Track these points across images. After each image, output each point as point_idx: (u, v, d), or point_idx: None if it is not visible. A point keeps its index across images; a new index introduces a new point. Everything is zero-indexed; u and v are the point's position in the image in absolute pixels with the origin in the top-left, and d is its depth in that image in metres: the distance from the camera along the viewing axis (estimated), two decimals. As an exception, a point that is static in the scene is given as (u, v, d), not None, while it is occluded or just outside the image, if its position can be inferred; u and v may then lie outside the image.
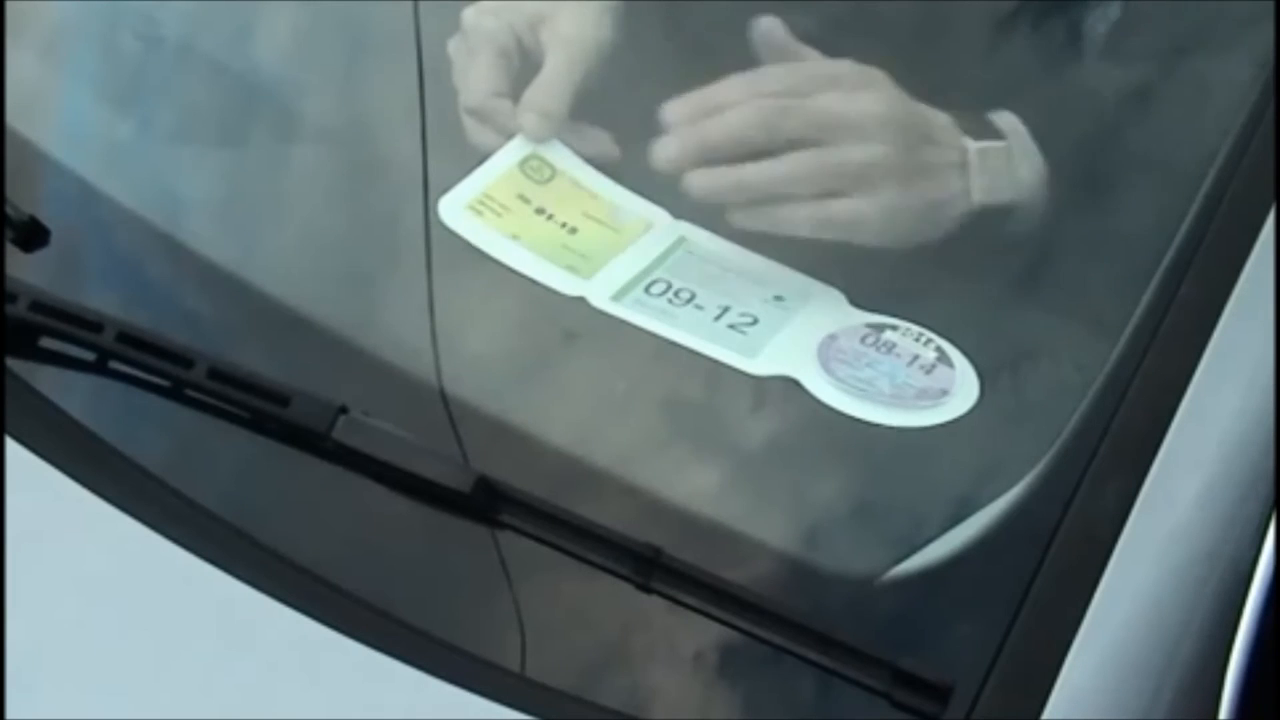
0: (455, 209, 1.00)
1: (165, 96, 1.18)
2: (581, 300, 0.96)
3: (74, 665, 0.84)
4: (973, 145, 0.97)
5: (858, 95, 0.96)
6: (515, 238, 0.99)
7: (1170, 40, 1.05)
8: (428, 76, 1.09)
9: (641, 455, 0.95)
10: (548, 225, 1.00)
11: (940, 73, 1.02)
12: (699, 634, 0.85)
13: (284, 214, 1.11)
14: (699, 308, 0.96)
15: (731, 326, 0.95)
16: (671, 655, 0.86)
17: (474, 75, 1.04)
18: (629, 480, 0.91)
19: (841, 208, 0.95)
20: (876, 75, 0.97)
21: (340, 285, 1.05)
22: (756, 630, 0.83)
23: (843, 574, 0.88)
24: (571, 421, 0.96)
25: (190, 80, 1.19)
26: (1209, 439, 0.86)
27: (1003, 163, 0.98)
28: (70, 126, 1.15)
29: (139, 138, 1.16)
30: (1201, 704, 0.82)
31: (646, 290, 0.97)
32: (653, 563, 0.85)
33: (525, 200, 1.01)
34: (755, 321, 0.95)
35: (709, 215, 1.01)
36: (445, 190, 1.04)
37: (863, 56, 0.99)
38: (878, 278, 0.98)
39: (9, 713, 0.80)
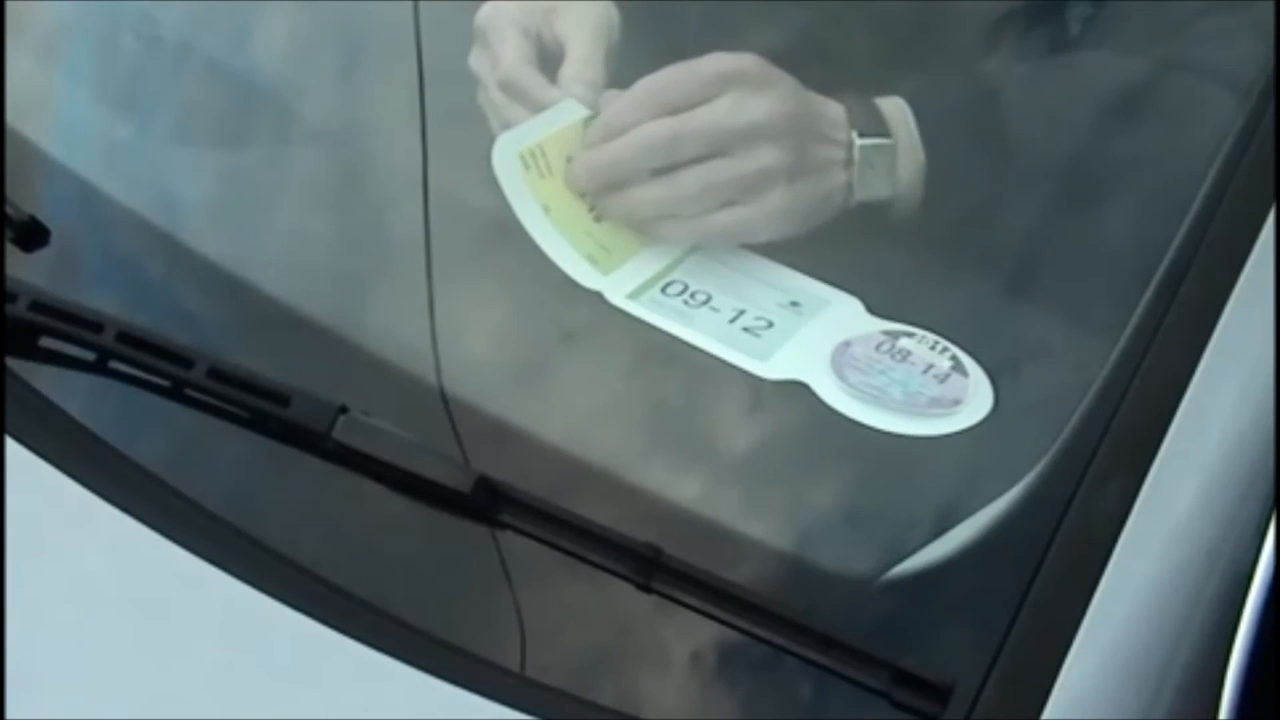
0: (508, 153, 0.99)
1: (165, 96, 1.18)
2: (583, 300, 0.96)
3: (74, 665, 0.84)
4: (858, 141, 0.99)
5: (748, 101, 0.96)
6: (546, 209, 0.98)
7: (1171, 40, 1.05)
8: (428, 79, 1.10)
9: (641, 455, 0.95)
10: (578, 204, 0.99)
11: (923, 75, 1.03)
12: (699, 634, 0.85)
13: (283, 214, 1.11)
14: (714, 310, 0.96)
15: (746, 329, 0.95)
16: (671, 655, 0.86)
17: (502, 50, 1.04)
18: (629, 480, 0.91)
19: (727, 218, 0.97)
20: (772, 71, 0.97)
21: (340, 285, 1.05)
22: (756, 630, 0.83)
23: (843, 574, 0.88)
24: (571, 421, 0.95)
25: (190, 80, 1.19)
26: (1209, 439, 0.86)
27: (886, 159, 0.99)
28: (70, 126, 1.15)
29: (139, 138, 1.16)
30: (1201, 704, 0.82)
31: (663, 291, 0.97)
32: (653, 563, 0.85)
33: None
34: (770, 325, 0.95)
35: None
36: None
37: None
38: (892, 284, 0.98)
39: (9, 713, 0.80)
